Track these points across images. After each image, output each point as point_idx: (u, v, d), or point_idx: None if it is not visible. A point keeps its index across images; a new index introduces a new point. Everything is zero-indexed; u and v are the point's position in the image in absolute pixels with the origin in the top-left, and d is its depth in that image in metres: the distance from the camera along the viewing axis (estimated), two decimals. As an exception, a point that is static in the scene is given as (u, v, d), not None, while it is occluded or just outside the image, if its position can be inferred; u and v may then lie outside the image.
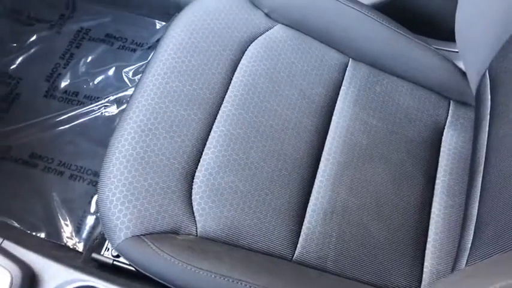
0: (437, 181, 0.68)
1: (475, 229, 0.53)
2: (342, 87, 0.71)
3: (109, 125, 0.97)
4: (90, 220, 0.88)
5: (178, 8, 0.79)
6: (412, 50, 0.72)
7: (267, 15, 0.73)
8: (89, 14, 1.09)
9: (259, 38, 0.71)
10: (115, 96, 1.00)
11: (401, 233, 0.64)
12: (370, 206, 0.64)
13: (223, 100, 0.67)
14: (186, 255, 0.55)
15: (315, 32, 0.73)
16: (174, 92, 0.65)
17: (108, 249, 0.78)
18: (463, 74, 0.73)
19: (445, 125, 0.72)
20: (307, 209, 0.64)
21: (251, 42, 0.71)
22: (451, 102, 0.74)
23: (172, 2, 1.00)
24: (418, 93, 0.73)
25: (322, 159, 0.67)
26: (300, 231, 0.62)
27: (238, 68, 0.69)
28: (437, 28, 0.82)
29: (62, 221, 0.88)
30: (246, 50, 0.70)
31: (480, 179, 0.56)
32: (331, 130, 0.68)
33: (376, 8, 0.77)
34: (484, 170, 0.55)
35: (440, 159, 0.70)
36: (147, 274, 0.56)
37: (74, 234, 0.87)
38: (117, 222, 0.58)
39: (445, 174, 0.69)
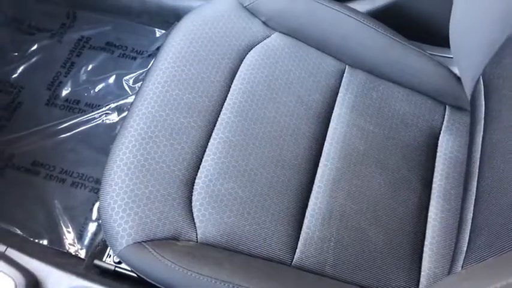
0: (433, 185, 0.69)
1: (470, 233, 0.54)
2: (339, 94, 0.72)
3: (110, 133, 0.98)
4: (92, 227, 0.89)
5: (178, 17, 0.80)
6: (407, 57, 0.73)
7: (264, 23, 0.74)
8: (89, 22, 1.10)
9: (257, 46, 0.73)
10: (116, 104, 1.01)
11: (398, 237, 0.65)
12: (367, 211, 0.65)
13: (222, 108, 0.68)
14: (186, 261, 0.56)
15: (311, 39, 0.74)
16: (174, 100, 0.66)
17: (110, 255, 0.79)
18: (458, 79, 0.74)
19: (441, 130, 0.73)
20: (306, 214, 0.65)
21: (249, 51, 0.72)
22: (447, 107, 0.75)
23: (172, 11, 1.01)
24: (414, 98, 0.74)
25: (320, 164, 0.68)
26: (299, 236, 0.63)
27: (236, 76, 0.70)
28: (432, 34, 0.83)
29: (64, 228, 0.89)
30: (244, 58, 0.72)
31: (475, 183, 0.57)
32: (328, 136, 0.70)
33: (371, 15, 0.79)
34: (479, 175, 0.56)
35: (436, 163, 0.71)
36: (149, 280, 0.57)
37: (76, 241, 0.88)
38: (119, 229, 0.59)
39: (442, 179, 0.69)
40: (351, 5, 0.86)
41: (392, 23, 0.75)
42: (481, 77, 0.63)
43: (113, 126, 0.99)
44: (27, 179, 0.94)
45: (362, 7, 0.86)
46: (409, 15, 0.84)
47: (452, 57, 0.74)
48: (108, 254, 0.81)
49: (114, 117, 1.00)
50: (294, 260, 0.62)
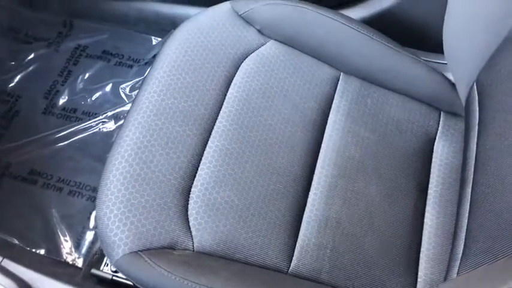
0: (429, 191, 0.70)
1: (465, 239, 0.54)
2: (334, 101, 0.73)
3: (107, 141, 0.98)
4: (89, 236, 0.89)
5: (174, 25, 0.80)
6: (401, 63, 0.74)
7: (259, 31, 0.75)
8: (86, 31, 1.10)
9: (252, 54, 0.73)
10: (112, 112, 1.01)
11: (394, 244, 0.65)
12: (363, 218, 0.65)
13: (218, 116, 0.68)
14: (182, 270, 0.56)
15: (306, 47, 0.74)
16: (170, 108, 0.66)
17: (108, 264, 0.79)
18: (453, 85, 0.74)
19: (436, 136, 0.73)
20: (302, 221, 0.65)
21: (244, 59, 0.73)
22: (442, 113, 0.75)
23: (168, 19, 1.02)
24: (408, 105, 0.74)
25: (316, 171, 0.68)
26: (295, 244, 0.63)
27: (232, 84, 0.71)
28: (426, 40, 0.84)
29: (62, 237, 0.89)
30: (239, 66, 0.72)
31: (470, 189, 0.57)
32: (324, 143, 0.70)
33: (365, 22, 0.79)
34: (473, 181, 0.56)
35: (432, 169, 0.71)
36: (145, 289, 0.57)
37: (73, 250, 0.88)
38: (115, 238, 0.59)
39: (437, 185, 0.70)
40: (345, 12, 0.87)
41: (386, 30, 0.75)
42: (474, 83, 0.63)
43: (110, 134, 0.99)
44: (25, 188, 0.94)
45: (356, 14, 0.86)
46: (403, 22, 0.85)
47: (446, 63, 0.75)
48: (105, 263, 0.81)
49: (111, 126, 1.00)
50: (291, 268, 0.62)
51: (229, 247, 0.61)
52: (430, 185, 0.70)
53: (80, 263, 0.87)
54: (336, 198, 0.66)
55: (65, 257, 0.87)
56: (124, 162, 0.62)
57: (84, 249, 0.88)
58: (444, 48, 0.70)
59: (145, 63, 1.06)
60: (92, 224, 0.91)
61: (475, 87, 0.63)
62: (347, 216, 0.65)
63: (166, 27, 1.02)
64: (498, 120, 0.54)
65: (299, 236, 0.64)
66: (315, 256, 0.62)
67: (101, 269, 0.79)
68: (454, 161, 0.71)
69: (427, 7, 0.83)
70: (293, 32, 0.74)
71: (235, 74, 0.71)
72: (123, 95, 1.03)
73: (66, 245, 0.89)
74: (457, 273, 0.53)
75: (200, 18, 0.74)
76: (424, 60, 0.75)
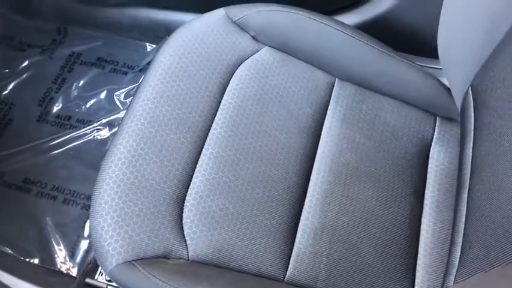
0: (425, 197, 0.69)
1: (462, 246, 0.53)
2: (329, 107, 0.72)
3: (101, 148, 0.98)
4: (84, 244, 0.89)
5: (169, 31, 0.80)
6: (396, 69, 0.74)
7: (253, 38, 0.75)
8: (80, 38, 1.10)
9: (246, 60, 0.73)
10: (107, 119, 1.00)
11: (391, 250, 0.65)
12: (359, 224, 0.65)
13: (212, 123, 0.68)
14: (177, 279, 0.55)
15: (301, 53, 0.74)
16: (164, 116, 0.66)
17: (102, 273, 0.78)
18: (448, 90, 0.74)
19: (432, 141, 0.73)
20: (298, 229, 0.64)
21: (239, 65, 0.72)
22: (437, 118, 0.75)
23: (162, 26, 1.01)
24: (404, 110, 0.74)
25: (312, 178, 0.67)
26: (291, 252, 0.63)
27: (226, 90, 0.70)
28: (420, 45, 0.84)
29: (56, 246, 0.88)
30: (234, 72, 0.72)
31: (466, 195, 0.56)
32: (319, 149, 0.69)
33: (359, 28, 0.79)
34: (469, 187, 0.56)
35: (428, 175, 0.71)
36: (139, 299, 0.57)
37: (67, 259, 0.87)
38: (109, 248, 0.58)
39: (434, 190, 0.69)
40: (339, 18, 0.87)
41: (380, 35, 0.75)
42: (470, 88, 0.63)
43: (104, 141, 0.99)
44: (18, 196, 0.93)
45: (350, 20, 0.86)
46: (396, 27, 0.85)
47: (441, 69, 0.75)
48: (100, 272, 0.80)
49: (105, 133, 0.99)
50: (287, 276, 0.61)
51: (224, 255, 0.60)
52: (426, 191, 0.70)
53: (74, 272, 0.86)
54: (332, 205, 0.65)
55: (59, 266, 0.86)
56: (117, 170, 0.62)
57: (78, 258, 0.87)
58: (439, 53, 0.70)
59: (140, 70, 1.06)
60: (86, 232, 0.90)
61: (470, 92, 0.63)
62: (343, 223, 0.64)
63: (161, 33, 1.02)
64: (493, 125, 0.54)
65: (295, 244, 0.63)
66: (311, 264, 0.62)
67: (96, 278, 0.78)
68: (450, 166, 0.71)
69: (421, 12, 0.83)
70: (287, 38, 0.74)
71: (230, 80, 0.71)
72: (117, 102, 1.03)
73: (61, 254, 0.88)
74: (454, 280, 0.52)
75: (194, 24, 0.74)
76: (418, 65, 0.75)
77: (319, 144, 0.70)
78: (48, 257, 0.87)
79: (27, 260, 0.87)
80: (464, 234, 0.54)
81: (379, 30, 0.79)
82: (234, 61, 0.72)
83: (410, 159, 0.71)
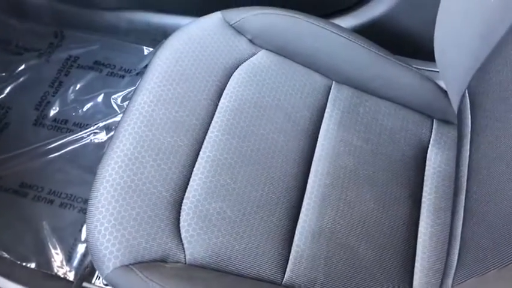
0: (423, 199, 0.69)
1: (459, 249, 0.53)
2: (326, 110, 0.72)
3: (98, 152, 0.97)
4: (81, 248, 0.88)
5: (165, 35, 0.80)
6: (393, 71, 0.74)
7: (250, 41, 0.75)
8: (77, 42, 1.10)
9: (243, 64, 0.73)
10: (104, 123, 1.00)
11: (389, 253, 0.64)
12: (357, 227, 0.65)
13: (209, 126, 0.68)
14: (174, 283, 0.55)
15: (298, 56, 0.74)
16: (161, 119, 0.66)
17: (99, 277, 0.78)
18: (445, 93, 0.74)
19: (429, 144, 0.73)
20: (296, 232, 0.64)
21: (236, 68, 0.72)
22: (434, 121, 0.75)
23: (159, 29, 1.01)
24: (401, 113, 0.74)
25: (309, 181, 0.67)
26: (289, 255, 0.63)
27: (224, 93, 0.70)
28: (417, 48, 0.84)
29: (53, 250, 0.88)
30: (231, 76, 0.72)
31: (463, 197, 0.56)
32: (316, 152, 0.69)
33: (356, 31, 0.79)
34: (466, 190, 0.56)
35: (425, 177, 0.71)
36: (136, 304, 0.56)
37: (64, 263, 0.87)
38: (106, 252, 0.58)
39: (431, 193, 0.69)
40: (336, 21, 0.87)
41: (377, 38, 0.76)
42: (466, 91, 0.63)
43: (101, 145, 0.98)
44: (15, 200, 0.93)
45: (347, 23, 0.86)
46: (393, 30, 0.85)
47: (438, 71, 0.75)
48: (97, 276, 0.80)
49: (102, 137, 0.99)
50: (285, 279, 0.61)
51: (222, 259, 0.60)
52: (423, 194, 0.70)
53: (71, 276, 0.86)
54: (329, 207, 0.65)
55: (56, 271, 0.86)
56: (114, 174, 0.61)
57: (75, 262, 0.87)
58: (435, 56, 0.70)
59: (137, 74, 1.06)
60: (83, 236, 0.89)
61: (467, 94, 0.63)
62: (340, 226, 0.64)
63: (158, 37, 1.02)
64: (490, 128, 0.54)
65: (292, 247, 0.63)
66: (309, 267, 0.62)
67: (93, 282, 0.78)
68: (447, 168, 0.71)
69: (417, 15, 0.84)
70: (284, 41, 0.74)
71: (227, 83, 0.71)
72: (114, 106, 1.03)
73: (57, 258, 0.87)
74: (452, 283, 0.52)
75: (191, 28, 0.74)
76: (415, 68, 0.75)
77: (317, 147, 0.70)
78: (45, 261, 0.87)
79: (24, 264, 0.86)
80: (461, 236, 0.54)
81: (376, 33, 0.79)
82: (231, 64, 0.72)
83: (408, 162, 0.71)
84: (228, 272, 0.60)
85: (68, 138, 0.98)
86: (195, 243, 0.60)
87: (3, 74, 1.06)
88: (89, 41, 1.10)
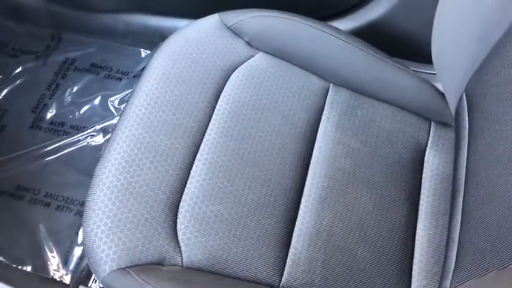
0: (421, 202, 0.69)
1: (457, 251, 0.53)
2: (324, 112, 0.72)
3: (95, 155, 0.97)
4: (77, 251, 0.88)
5: (163, 37, 0.80)
6: (390, 74, 0.74)
7: (248, 43, 0.75)
8: (74, 44, 1.10)
9: (241, 66, 0.73)
10: (101, 126, 1.00)
11: (386, 256, 0.64)
12: (354, 229, 0.65)
13: (206, 128, 0.67)
14: (171, 286, 0.55)
15: (295, 59, 0.74)
16: (158, 121, 0.66)
17: (96, 281, 0.77)
18: (442, 95, 0.74)
19: (426, 146, 0.73)
20: (293, 234, 0.64)
21: (233, 71, 0.72)
22: (432, 123, 0.75)
23: (156, 31, 1.01)
24: (398, 115, 0.74)
25: (307, 183, 0.67)
26: (287, 258, 0.62)
27: (221, 96, 0.70)
28: (414, 51, 0.84)
29: (49, 253, 0.87)
30: (228, 78, 0.72)
31: (461, 200, 0.56)
32: (314, 154, 0.69)
33: (353, 33, 0.79)
34: (464, 192, 0.56)
35: (423, 180, 0.71)
36: (133, 307, 0.56)
37: (61, 266, 0.86)
38: (102, 254, 0.57)
39: (429, 195, 0.69)
40: (334, 24, 0.87)
41: (374, 41, 0.76)
42: (464, 93, 0.63)
43: (98, 148, 0.98)
44: (11, 203, 0.92)
45: (344, 26, 0.86)
46: (391, 32, 0.85)
47: (435, 74, 0.75)
48: (93, 280, 0.79)
49: (99, 139, 0.99)
50: (282, 282, 0.61)
51: (219, 262, 0.60)
52: (421, 196, 0.69)
53: (67, 279, 0.85)
54: (327, 210, 0.65)
55: (52, 274, 0.86)
56: (111, 176, 0.61)
57: (72, 266, 0.86)
58: (433, 59, 0.70)
59: (134, 76, 1.06)
60: (80, 239, 0.89)
61: (464, 97, 0.63)
62: (338, 229, 0.64)
63: (155, 39, 1.02)
64: (487, 130, 0.54)
65: (290, 250, 0.63)
66: (306, 269, 0.61)
67: (89, 285, 0.77)
68: (445, 171, 0.71)
69: (415, 18, 0.84)
70: (282, 43, 0.74)
71: (224, 86, 0.71)
72: (112, 108, 1.02)
73: (54, 261, 0.87)
74: (450, 286, 0.52)
75: (188, 30, 0.74)
76: (413, 70, 0.75)
77: (314, 150, 0.70)
78: (41, 264, 0.86)
79: (20, 267, 0.86)
80: (459, 239, 0.54)
81: (373, 36, 0.79)
82: (228, 66, 0.72)
83: (405, 164, 0.71)
84: (225, 275, 0.59)
85: (64, 141, 0.98)
86: (192, 245, 0.60)
87: (0, 76, 1.06)
88: (86, 44, 1.09)
